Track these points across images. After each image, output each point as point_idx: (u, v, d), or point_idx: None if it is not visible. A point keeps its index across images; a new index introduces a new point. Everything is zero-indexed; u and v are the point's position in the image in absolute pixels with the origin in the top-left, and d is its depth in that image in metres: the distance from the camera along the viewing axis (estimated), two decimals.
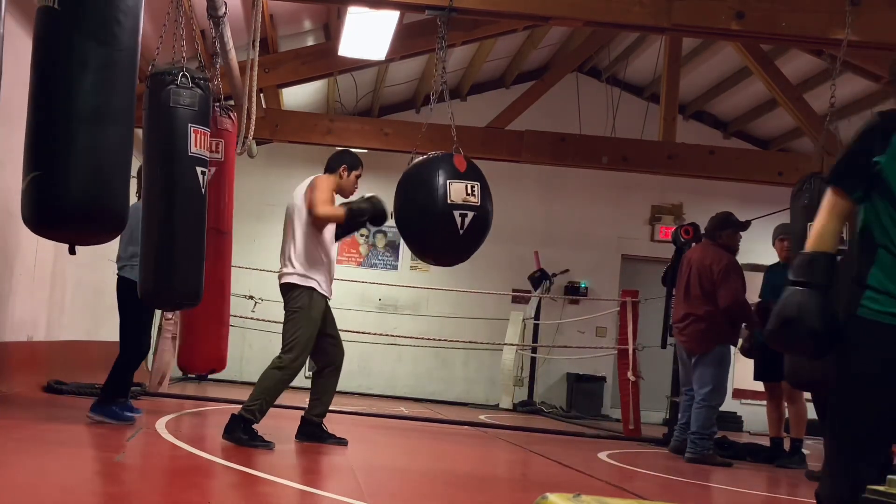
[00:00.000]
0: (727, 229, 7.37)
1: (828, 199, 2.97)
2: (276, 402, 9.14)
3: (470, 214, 5.34)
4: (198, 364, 7.05)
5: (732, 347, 7.29)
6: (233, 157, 6.84)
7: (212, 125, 6.58)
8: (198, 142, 5.65)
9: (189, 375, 12.41)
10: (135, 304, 5.90)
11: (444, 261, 5.97)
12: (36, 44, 4.33)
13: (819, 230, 2.98)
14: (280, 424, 7.48)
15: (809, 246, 2.96)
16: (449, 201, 5.37)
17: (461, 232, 5.34)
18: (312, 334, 5.73)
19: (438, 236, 5.49)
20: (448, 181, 5.42)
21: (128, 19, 4.35)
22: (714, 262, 7.26)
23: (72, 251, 4.78)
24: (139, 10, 4.40)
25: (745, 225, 7.45)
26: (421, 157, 5.70)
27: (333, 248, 6.01)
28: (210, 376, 12.54)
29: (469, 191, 5.37)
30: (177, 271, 5.69)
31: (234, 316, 11.93)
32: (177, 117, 5.52)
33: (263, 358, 13.79)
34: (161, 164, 5.62)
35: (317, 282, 5.87)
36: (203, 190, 5.75)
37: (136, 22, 4.36)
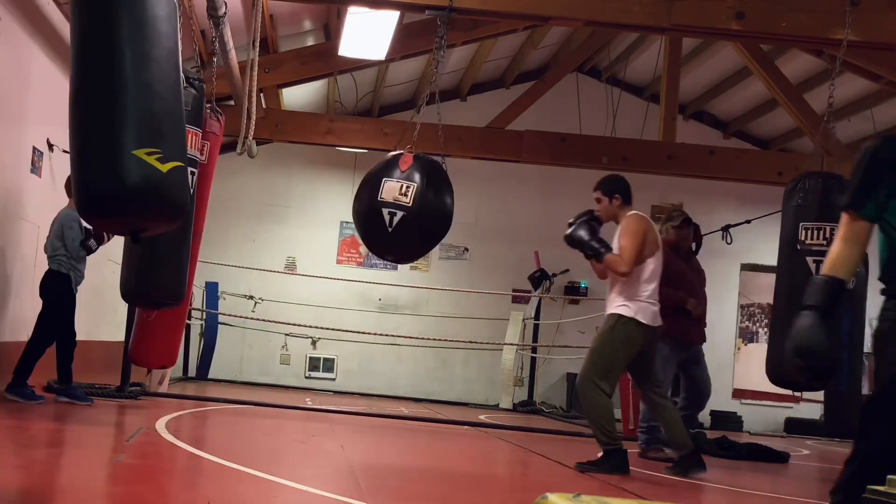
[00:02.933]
0: (667, 223, 7.29)
1: (842, 224, 3.02)
2: (276, 402, 9.19)
3: (399, 214, 5.30)
4: (149, 358, 6.99)
5: (673, 342, 7.13)
6: (216, 160, 6.82)
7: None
8: (189, 142, 5.61)
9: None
10: (54, 294, 6.60)
11: (386, 256, 5.87)
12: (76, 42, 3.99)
13: (833, 255, 3.06)
14: (280, 424, 7.48)
15: (824, 270, 3.02)
16: (379, 198, 5.36)
17: (390, 230, 5.31)
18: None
19: (369, 233, 5.50)
20: (384, 179, 5.41)
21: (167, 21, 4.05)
22: None
23: (135, 240, 4.38)
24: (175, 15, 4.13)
25: (679, 222, 7.26)
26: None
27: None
28: (209, 376, 12.61)
29: (402, 190, 5.33)
30: (160, 271, 5.65)
31: (234, 316, 12.01)
32: None
33: (263, 358, 13.92)
34: None
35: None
36: (191, 190, 5.71)
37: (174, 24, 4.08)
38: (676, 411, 6.10)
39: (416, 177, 5.38)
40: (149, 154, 3.65)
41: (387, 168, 5.49)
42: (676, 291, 7.07)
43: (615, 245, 5.86)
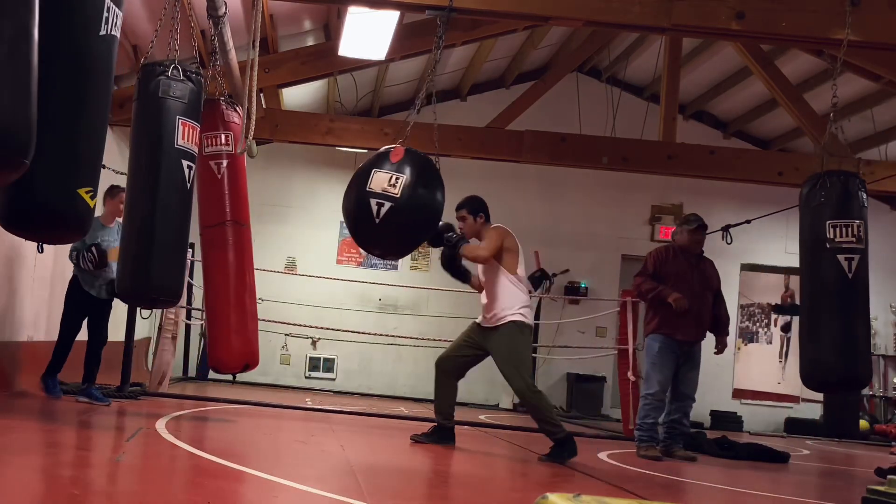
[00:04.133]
0: (681, 227, 7.34)
1: None
2: (276, 402, 9.19)
3: (387, 205, 5.27)
4: (230, 361, 6.76)
5: (663, 337, 7.13)
6: (244, 149, 6.79)
7: (220, 119, 6.55)
8: (185, 135, 5.51)
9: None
10: (67, 298, 7.24)
11: (373, 250, 5.80)
12: None
13: None
14: (280, 424, 7.48)
15: None
16: (367, 189, 5.34)
17: (377, 220, 5.29)
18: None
19: (357, 223, 5.46)
20: (374, 170, 5.39)
21: None
22: None
23: (40, 249, 4.81)
24: None
25: (695, 226, 7.32)
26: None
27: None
28: (209, 376, 12.59)
29: (391, 181, 5.31)
30: (155, 267, 5.51)
31: None
32: (165, 108, 5.42)
33: (264, 358, 13.86)
34: (146, 155, 5.49)
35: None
36: (189, 185, 5.60)
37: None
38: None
39: (406, 169, 5.35)
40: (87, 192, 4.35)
41: (377, 160, 5.47)
42: (661, 286, 7.10)
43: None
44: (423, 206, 5.44)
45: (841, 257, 5.86)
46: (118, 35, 4.44)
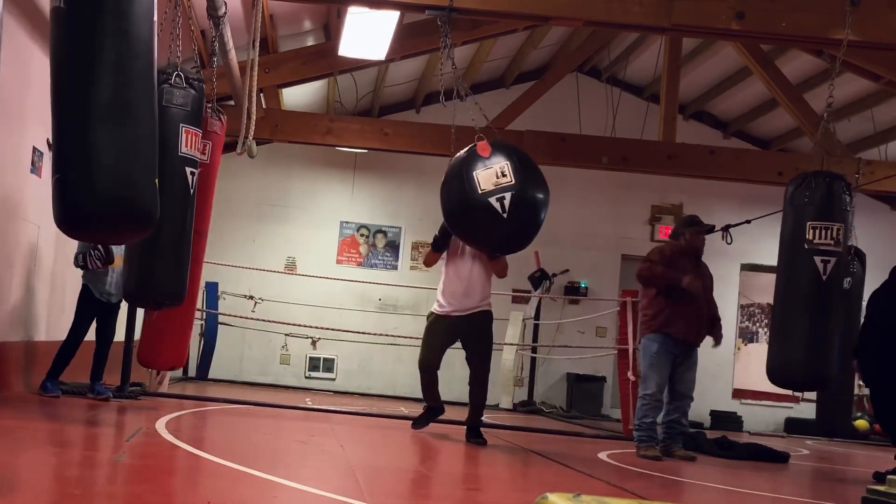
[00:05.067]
0: (690, 228, 7.34)
1: None
2: (276, 402, 9.19)
3: (507, 195, 5.24)
4: (158, 361, 7.18)
5: (662, 337, 7.13)
6: (218, 159, 6.84)
7: (202, 126, 6.56)
8: (189, 142, 5.62)
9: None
10: (79, 302, 7.36)
11: (506, 249, 5.87)
12: (53, 43, 4.16)
13: None
14: (280, 424, 7.48)
15: None
16: (480, 192, 5.28)
17: (505, 216, 5.24)
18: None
19: (481, 229, 5.42)
20: (475, 173, 5.34)
21: (141, 15, 4.19)
22: None
23: (83, 266, 4.84)
24: (153, 6, 4.26)
25: (707, 228, 7.37)
26: (452, 159, 5.65)
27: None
28: (210, 376, 12.61)
29: (499, 174, 5.27)
30: (160, 271, 5.67)
31: (234, 316, 12.00)
32: (169, 116, 5.49)
33: (263, 358, 13.92)
34: None
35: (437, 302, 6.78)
36: (191, 191, 5.74)
37: (150, 17, 4.20)
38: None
39: (503, 156, 5.33)
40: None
41: (469, 163, 5.41)
42: (671, 271, 7.06)
43: None
44: (537, 181, 5.45)
45: (817, 259, 5.91)
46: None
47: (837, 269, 5.91)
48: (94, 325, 7.46)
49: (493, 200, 5.23)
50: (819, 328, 5.93)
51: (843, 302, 6.14)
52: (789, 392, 13.74)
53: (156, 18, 4.21)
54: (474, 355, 6.71)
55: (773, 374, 6.13)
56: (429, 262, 6.90)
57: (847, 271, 6.05)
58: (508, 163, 5.27)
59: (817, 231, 5.93)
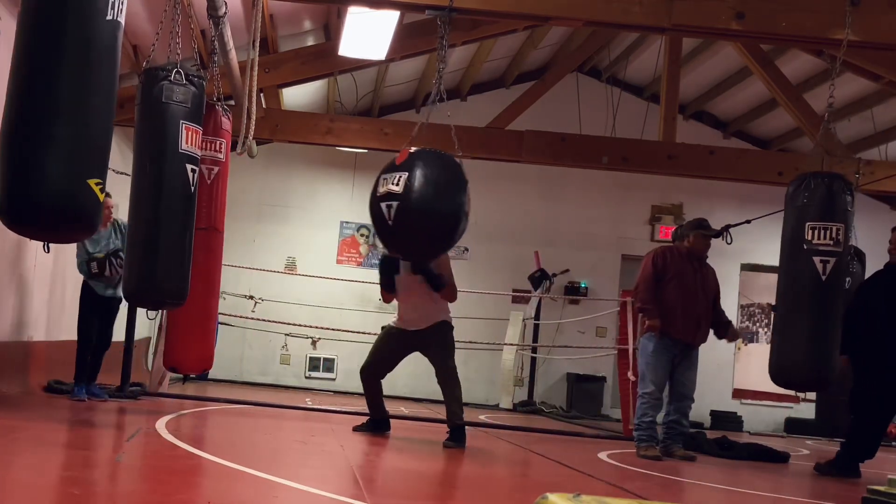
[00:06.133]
0: (695, 231, 7.34)
1: None
2: (276, 402, 9.19)
3: (394, 204, 5.29)
4: (186, 363, 7.01)
5: (659, 336, 7.13)
6: (229, 156, 6.84)
7: (214, 125, 6.55)
8: (189, 139, 5.56)
9: (176, 375, 12.44)
10: (81, 302, 7.37)
11: (394, 252, 5.97)
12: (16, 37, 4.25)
13: None
14: (280, 424, 7.49)
15: None
16: (377, 195, 5.37)
17: (390, 222, 5.31)
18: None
19: (377, 231, 5.52)
20: (381, 177, 5.41)
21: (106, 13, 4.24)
22: None
23: (46, 249, 4.78)
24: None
25: (713, 233, 7.37)
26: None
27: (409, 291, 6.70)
28: (209, 376, 12.60)
29: (395, 182, 5.32)
30: (160, 270, 5.60)
31: (234, 316, 11.99)
32: (168, 113, 5.46)
33: (263, 358, 13.92)
34: (150, 160, 5.51)
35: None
36: (192, 188, 5.66)
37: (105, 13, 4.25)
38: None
39: (412, 167, 5.34)
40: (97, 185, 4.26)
41: (385, 168, 5.49)
42: (652, 306, 7.16)
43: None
44: (432, 199, 5.34)
45: (816, 259, 5.91)
46: (123, 23, 4.41)
47: (837, 270, 5.91)
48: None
49: (383, 206, 5.31)
50: (819, 328, 5.94)
51: (844, 302, 6.13)
52: (790, 392, 13.78)
53: (110, 18, 4.25)
54: (434, 359, 6.76)
55: (774, 374, 6.15)
56: (386, 300, 7.02)
57: (847, 271, 6.04)
58: (407, 174, 5.30)
59: (817, 231, 5.93)
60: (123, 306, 7.71)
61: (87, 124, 4.21)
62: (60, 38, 4.08)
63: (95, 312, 7.37)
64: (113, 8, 4.25)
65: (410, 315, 6.75)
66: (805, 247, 5.95)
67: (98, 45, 4.21)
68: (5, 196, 4.21)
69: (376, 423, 7.06)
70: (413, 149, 5.50)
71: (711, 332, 7.41)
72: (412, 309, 6.73)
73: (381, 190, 5.37)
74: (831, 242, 5.89)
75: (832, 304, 5.96)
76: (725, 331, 7.45)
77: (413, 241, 5.55)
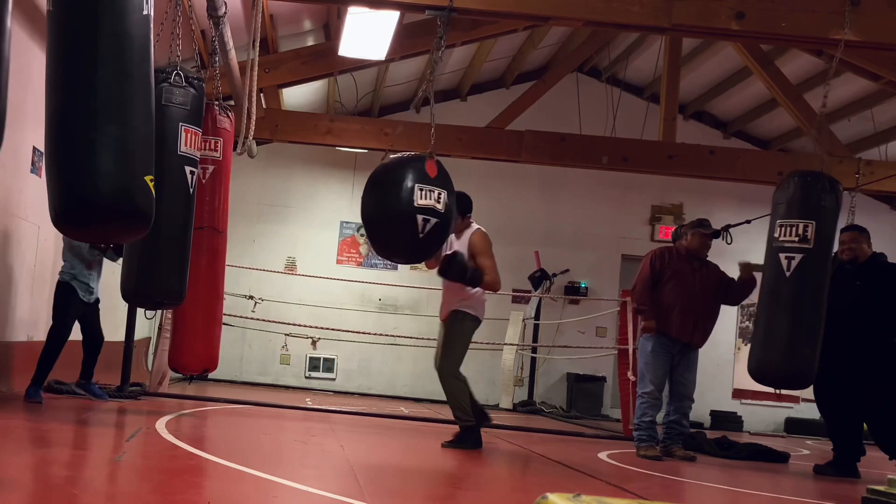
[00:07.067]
0: (693, 229, 7.36)
1: None
2: (276, 402, 9.19)
3: (432, 221, 5.39)
4: (190, 363, 6.95)
5: (657, 337, 7.16)
6: (230, 156, 6.83)
7: (211, 124, 6.56)
8: (188, 141, 5.60)
9: (181, 375, 12.43)
10: (58, 302, 7.00)
11: (402, 260, 6.20)
12: (48, 45, 4.17)
13: None
14: (280, 424, 7.49)
15: None
16: (416, 205, 5.40)
17: (421, 236, 5.39)
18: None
19: (397, 237, 5.55)
20: (416, 185, 5.45)
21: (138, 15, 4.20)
22: None
23: (103, 250, 4.74)
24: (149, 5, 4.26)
25: (711, 232, 7.38)
26: (393, 157, 5.70)
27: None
28: (209, 376, 12.59)
29: (436, 198, 5.42)
30: (159, 271, 5.64)
31: (234, 316, 12.00)
32: (168, 115, 5.48)
33: (263, 358, 13.92)
34: None
35: None
36: (191, 190, 5.71)
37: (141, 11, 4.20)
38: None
39: (444, 184, 5.49)
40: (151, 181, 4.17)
41: (416, 173, 5.50)
42: (648, 309, 7.23)
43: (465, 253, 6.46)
44: (453, 220, 5.71)
45: (781, 256, 5.94)
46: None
47: (804, 266, 5.90)
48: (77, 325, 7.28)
49: (419, 217, 5.38)
50: (783, 324, 5.95)
51: (820, 298, 6.07)
52: (796, 393, 13.78)
53: (146, 12, 4.18)
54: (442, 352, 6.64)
55: (750, 372, 6.28)
56: (430, 266, 6.87)
57: (824, 268, 6.00)
58: (445, 192, 5.43)
59: (783, 229, 6.00)
60: (122, 307, 7.70)
61: (133, 121, 4.10)
62: (98, 35, 4.00)
63: (76, 315, 7.13)
64: (147, 3, 4.22)
65: (441, 306, 6.75)
66: (773, 245, 6.02)
67: (136, 40, 4.13)
68: (61, 199, 4.04)
69: (480, 420, 6.58)
70: (436, 158, 5.59)
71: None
72: (442, 300, 6.74)
73: (422, 202, 5.41)
74: (797, 239, 5.91)
75: (795, 300, 5.95)
76: (743, 289, 7.40)
77: (426, 255, 5.82)
